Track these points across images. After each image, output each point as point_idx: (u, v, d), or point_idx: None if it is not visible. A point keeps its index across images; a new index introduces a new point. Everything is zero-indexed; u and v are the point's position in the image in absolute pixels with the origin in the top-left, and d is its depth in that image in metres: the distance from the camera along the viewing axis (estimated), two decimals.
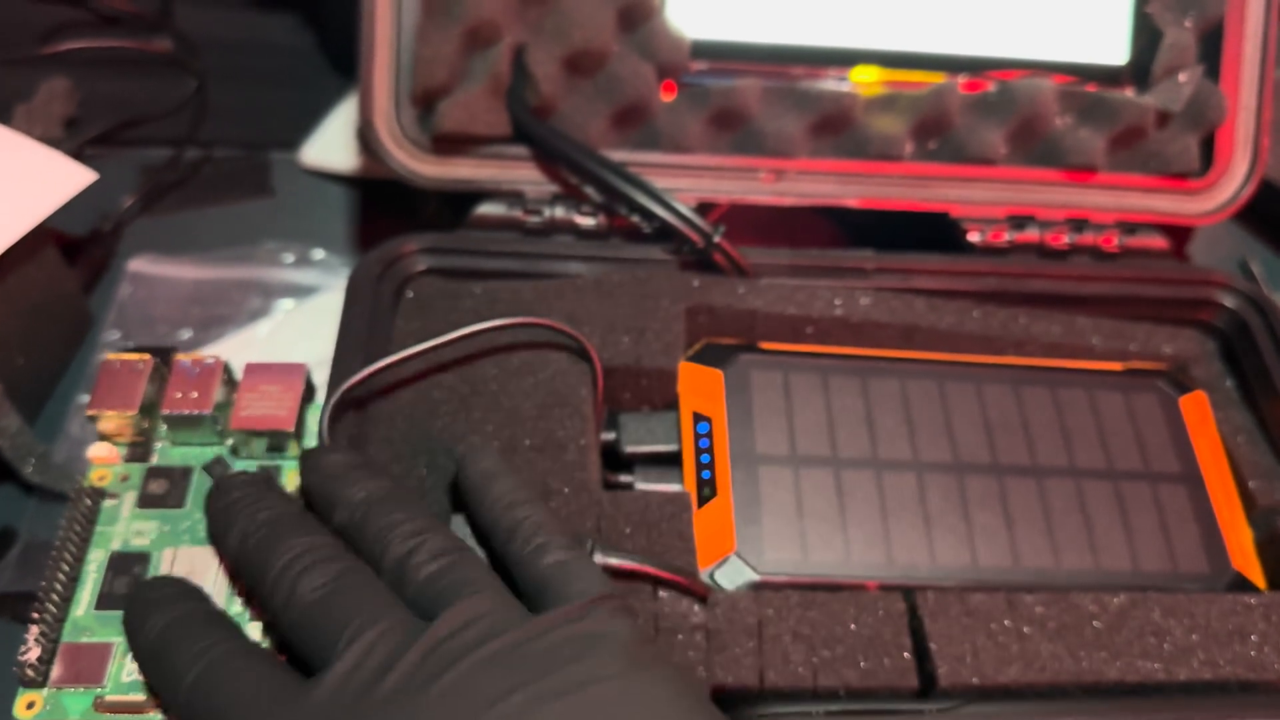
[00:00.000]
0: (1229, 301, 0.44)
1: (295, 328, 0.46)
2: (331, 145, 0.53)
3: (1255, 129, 0.45)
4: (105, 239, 0.49)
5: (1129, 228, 0.45)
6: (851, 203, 0.44)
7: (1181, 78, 0.45)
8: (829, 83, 0.44)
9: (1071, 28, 0.45)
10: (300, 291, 0.48)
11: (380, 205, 0.52)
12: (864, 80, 0.44)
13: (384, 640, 0.25)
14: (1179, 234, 0.48)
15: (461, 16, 0.41)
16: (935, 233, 0.45)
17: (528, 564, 0.29)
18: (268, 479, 0.31)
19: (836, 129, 0.44)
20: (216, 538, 0.30)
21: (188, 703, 0.26)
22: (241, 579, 0.30)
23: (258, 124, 0.56)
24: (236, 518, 0.29)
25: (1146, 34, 0.45)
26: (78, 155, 0.52)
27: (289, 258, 0.48)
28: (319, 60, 0.58)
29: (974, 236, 0.44)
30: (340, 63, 0.57)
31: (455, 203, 0.44)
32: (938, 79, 0.44)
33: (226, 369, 0.35)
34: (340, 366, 0.37)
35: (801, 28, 0.44)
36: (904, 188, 0.44)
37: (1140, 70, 0.45)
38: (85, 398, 0.44)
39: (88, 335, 0.47)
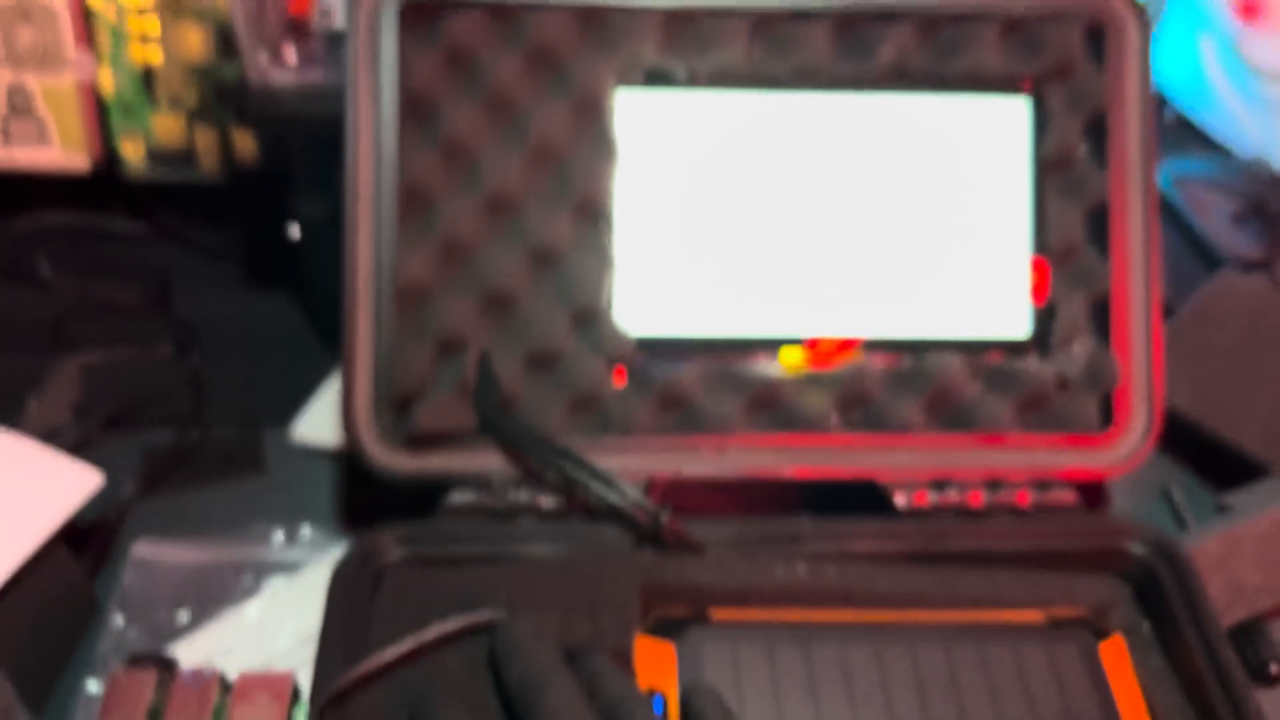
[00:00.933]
0: (1138, 549, 0.48)
1: (283, 608, 0.50)
2: (319, 422, 0.58)
3: (1148, 387, 0.50)
4: (111, 525, 0.53)
5: (1041, 485, 0.49)
6: (788, 473, 0.49)
7: (1076, 347, 0.50)
8: (760, 364, 0.49)
9: (977, 306, 0.50)
10: (289, 568, 0.52)
11: (364, 476, 0.56)
12: (790, 362, 0.49)
13: None
14: (1091, 491, 0.52)
15: (433, 331, 0.47)
16: (865, 492, 0.49)
17: None
18: (541, 629, 0.40)
19: (769, 405, 0.49)
20: (495, 670, 0.39)
21: None
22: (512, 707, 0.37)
23: (254, 399, 0.61)
24: (516, 658, 0.38)
25: (1044, 308, 0.51)
26: (86, 441, 0.57)
27: (278, 537, 0.53)
28: (309, 336, 0.64)
29: (900, 500, 0.48)
30: (328, 338, 0.63)
31: (428, 490, 0.48)
32: (856, 357, 0.49)
33: (222, 679, 0.38)
34: (323, 668, 0.40)
35: (732, 320, 0.49)
36: (834, 456, 0.49)
37: (1042, 340, 0.50)
38: (92, 685, 0.48)
39: (93, 620, 0.51)
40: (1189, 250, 0.74)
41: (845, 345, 0.49)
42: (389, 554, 0.45)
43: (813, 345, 0.50)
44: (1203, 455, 0.58)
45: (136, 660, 0.39)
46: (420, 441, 0.47)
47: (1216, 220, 0.78)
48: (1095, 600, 0.47)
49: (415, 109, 0.48)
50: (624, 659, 0.43)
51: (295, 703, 0.39)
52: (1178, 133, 0.81)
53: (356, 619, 0.43)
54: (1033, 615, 0.47)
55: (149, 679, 0.38)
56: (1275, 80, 0.77)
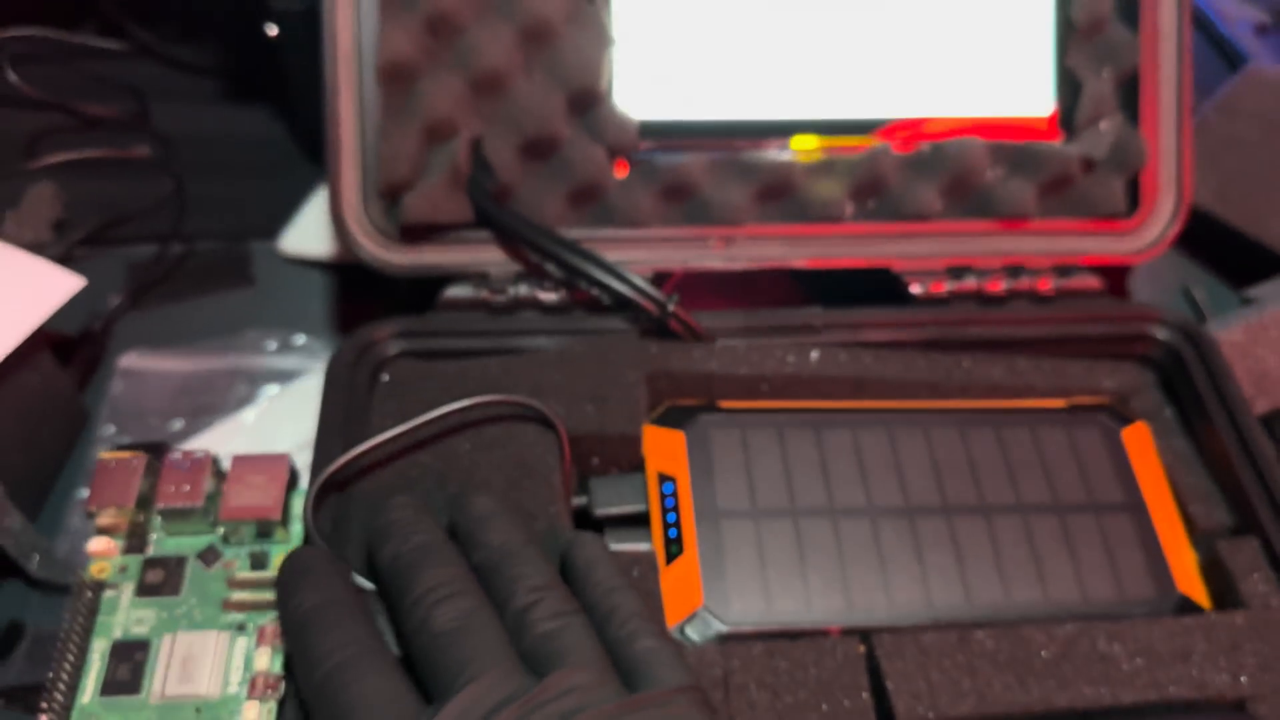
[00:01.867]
0: (1163, 334, 0.46)
1: (280, 412, 0.48)
2: (308, 233, 0.56)
3: (1177, 169, 0.47)
4: (96, 337, 0.51)
5: (1063, 270, 0.47)
6: (799, 264, 0.46)
7: (1103, 125, 0.47)
8: (770, 152, 0.47)
9: (998, 84, 0.48)
10: (284, 376, 0.50)
11: (357, 287, 0.55)
12: (803, 148, 0.47)
13: (494, 690, 0.29)
14: (1116, 272, 0.50)
15: (420, 114, 0.44)
16: (879, 285, 0.47)
17: (621, 645, 0.31)
18: (424, 507, 0.34)
19: (780, 195, 0.47)
20: (371, 550, 0.33)
21: (316, 691, 0.29)
22: (384, 592, 0.33)
23: (237, 215, 0.58)
24: (392, 536, 0.33)
25: (1069, 86, 0.48)
26: (66, 257, 0.55)
27: (272, 345, 0.51)
28: (292, 149, 0.61)
29: (915, 289, 0.46)
30: (312, 151, 0.60)
31: (425, 285, 0.46)
32: (873, 142, 0.47)
33: (215, 462, 0.37)
34: (321, 452, 0.39)
35: (741, 104, 0.47)
36: (847, 246, 0.47)
37: (1066, 120, 0.48)
38: (84, 492, 0.47)
39: (84, 431, 0.49)
40: (1212, 57, 0.71)
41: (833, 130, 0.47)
42: (387, 347, 0.44)
43: (825, 130, 0.47)
44: (1224, 253, 0.56)
45: (126, 448, 0.38)
46: (413, 233, 0.45)
47: (1241, 28, 0.75)
48: (1118, 386, 0.46)
49: None
50: (632, 446, 0.42)
51: (293, 487, 0.37)
52: None
53: (355, 409, 0.41)
54: (1054, 402, 0.45)
55: (139, 462, 0.36)
56: None
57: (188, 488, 0.36)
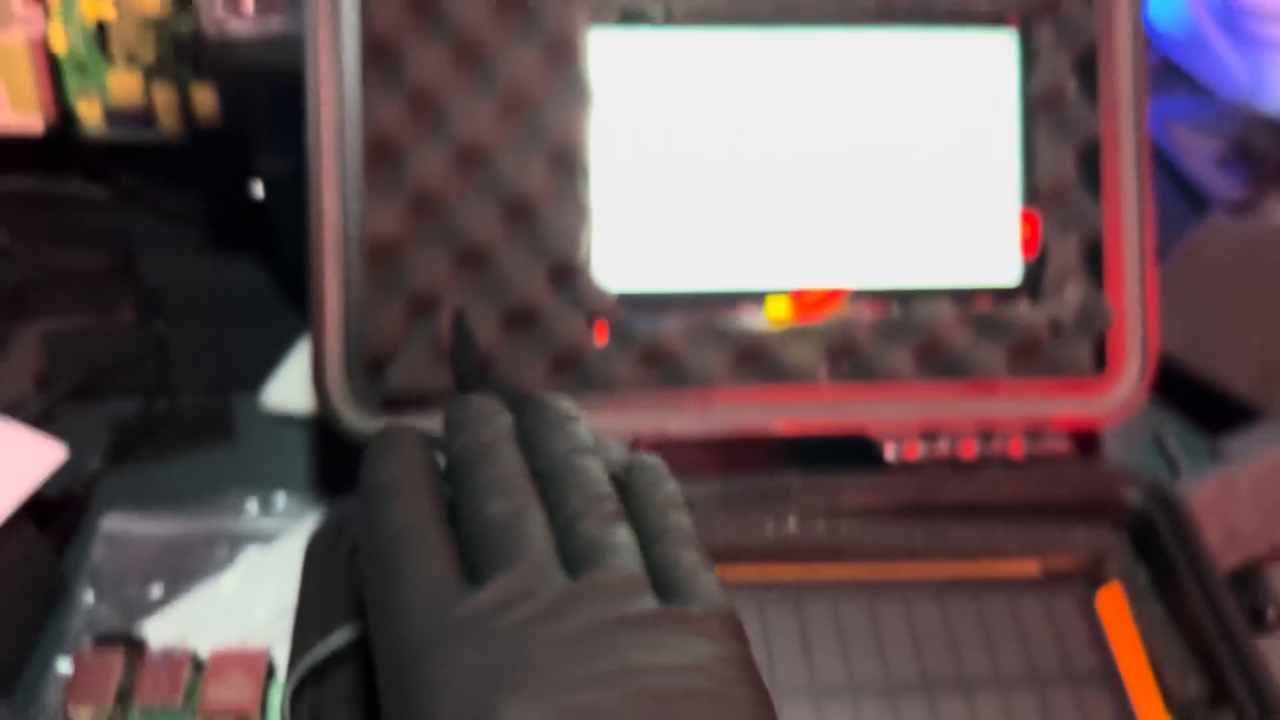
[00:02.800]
0: (1134, 497, 0.47)
1: (260, 577, 0.48)
2: (290, 388, 0.56)
3: (1142, 331, 0.49)
4: (78, 499, 0.52)
5: (1034, 433, 0.48)
6: (776, 428, 0.47)
7: (1069, 291, 0.49)
8: (745, 317, 0.48)
9: (966, 250, 0.49)
10: (264, 538, 0.50)
11: (339, 443, 0.55)
12: (776, 313, 0.48)
13: (529, 580, 0.29)
14: (1086, 439, 0.51)
15: (404, 288, 0.45)
16: (855, 446, 0.48)
17: (666, 563, 0.31)
18: (498, 407, 0.35)
19: (756, 359, 0.48)
20: (447, 438, 0.34)
21: (374, 551, 0.31)
22: (450, 482, 0.34)
23: (221, 366, 0.59)
24: (463, 431, 0.34)
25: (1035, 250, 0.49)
26: (50, 412, 0.56)
27: (252, 507, 0.51)
28: (277, 297, 0.62)
29: (889, 453, 0.47)
30: (297, 300, 0.61)
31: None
32: (843, 307, 0.48)
33: (194, 657, 0.37)
34: (299, 637, 0.39)
35: (716, 272, 0.48)
36: (822, 410, 0.48)
37: (1033, 283, 0.49)
38: (62, 662, 0.46)
39: (61, 597, 0.49)
40: (1174, 192, 0.73)
41: (831, 296, 0.48)
42: None
43: (798, 297, 0.48)
44: (1195, 399, 0.57)
45: (104, 640, 0.38)
46: (395, 404, 0.46)
47: (1201, 162, 0.77)
48: (1091, 549, 0.46)
49: (378, 55, 0.46)
50: None
51: (271, 679, 0.37)
52: (1162, 73, 0.80)
53: (332, 590, 0.41)
54: (1028, 566, 0.46)
55: (117, 659, 0.36)
56: (1261, 18, 0.76)
57: (167, 685, 0.36)
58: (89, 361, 0.57)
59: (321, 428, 0.56)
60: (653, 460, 0.36)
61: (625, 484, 0.35)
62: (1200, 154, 0.79)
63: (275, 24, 0.50)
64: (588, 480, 0.33)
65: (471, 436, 0.34)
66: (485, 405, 0.35)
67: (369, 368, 0.46)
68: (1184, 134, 0.79)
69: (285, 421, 0.56)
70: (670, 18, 0.47)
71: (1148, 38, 0.81)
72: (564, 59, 0.46)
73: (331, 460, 0.54)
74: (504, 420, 0.35)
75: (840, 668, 0.41)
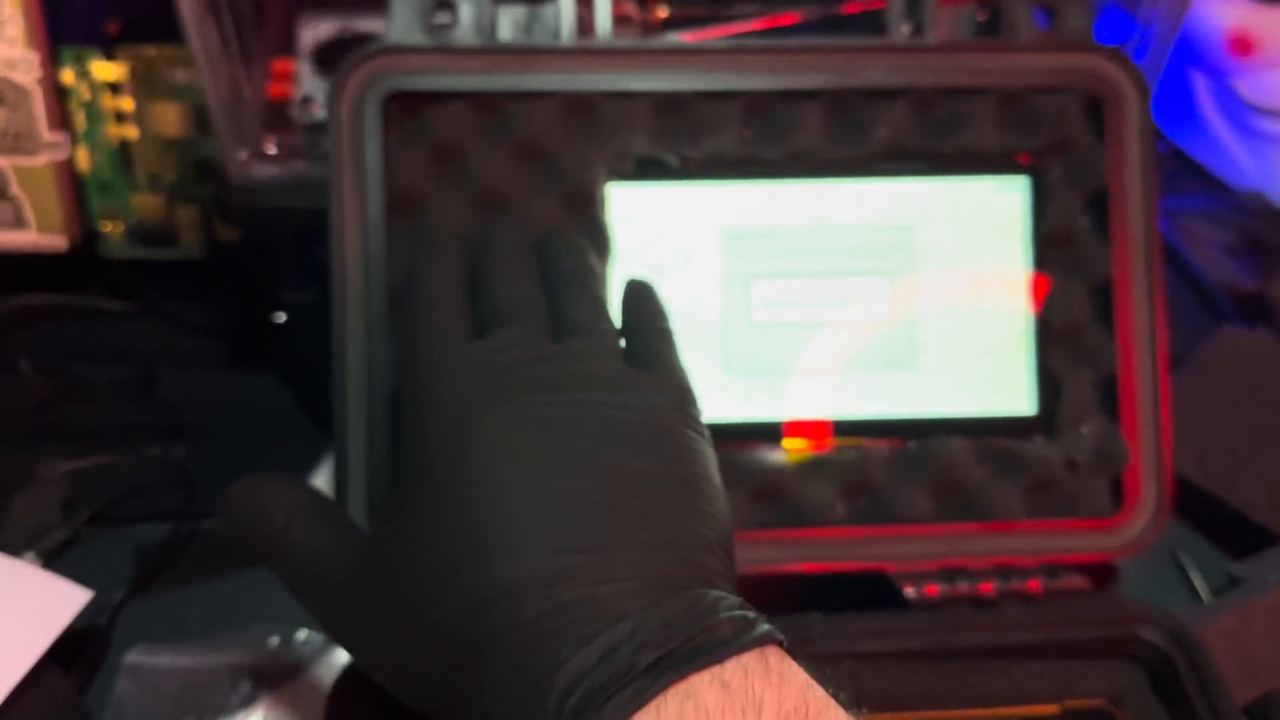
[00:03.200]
0: (1150, 635, 0.47)
1: (283, 715, 0.49)
2: None
3: (1157, 467, 0.49)
4: (101, 632, 0.52)
5: (1052, 571, 0.48)
6: (794, 569, 0.48)
7: (1085, 429, 0.49)
8: (761, 453, 0.48)
9: (981, 388, 0.49)
10: (288, 674, 0.51)
11: None
12: (793, 448, 0.48)
13: (526, 332, 0.37)
14: (1103, 574, 0.51)
15: None
16: (873, 586, 0.48)
17: (645, 349, 0.40)
18: (521, 234, 0.43)
19: (773, 497, 0.48)
20: (476, 242, 0.42)
21: (409, 306, 0.40)
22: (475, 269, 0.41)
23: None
24: (487, 240, 0.42)
25: (1049, 386, 0.50)
26: (73, 539, 0.56)
27: (274, 641, 0.51)
28: (300, 418, 0.63)
29: (910, 593, 0.48)
30: (320, 419, 0.61)
31: None
32: (858, 442, 0.49)
33: None
34: None
35: (732, 406, 0.48)
36: (841, 549, 0.48)
37: (1047, 419, 0.50)
38: None
39: None
40: (1186, 291, 0.74)
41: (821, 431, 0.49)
42: None
43: (812, 429, 0.49)
44: (1211, 519, 0.58)
45: None
46: None
47: (1212, 254, 0.78)
48: (1110, 689, 0.46)
49: (402, 205, 0.47)
50: None
51: None
52: (1172, 168, 0.81)
53: None
54: (1049, 709, 0.46)
55: None
56: (1269, 115, 0.77)
57: None
58: (112, 487, 0.58)
59: None
60: (644, 281, 0.44)
61: (623, 294, 0.43)
62: (1211, 245, 0.79)
63: (299, 167, 0.51)
64: (588, 284, 0.40)
65: (495, 240, 0.41)
66: (512, 225, 0.44)
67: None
68: (1194, 226, 0.79)
69: None
70: (685, 167, 0.48)
71: (1158, 132, 0.82)
72: (583, 210, 0.47)
73: None
74: (522, 238, 0.42)
75: None
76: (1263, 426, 0.58)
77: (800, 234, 0.49)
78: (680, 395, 0.36)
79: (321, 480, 0.59)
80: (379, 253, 0.46)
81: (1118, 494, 0.49)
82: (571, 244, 0.42)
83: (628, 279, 0.44)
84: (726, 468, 0.47)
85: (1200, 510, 0.57)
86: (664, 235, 0.49)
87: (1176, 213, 0.78)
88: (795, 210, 0.49)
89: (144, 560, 0.55)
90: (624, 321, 0.41)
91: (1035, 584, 0.48)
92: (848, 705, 0.29)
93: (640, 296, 0.42)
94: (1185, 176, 0.81)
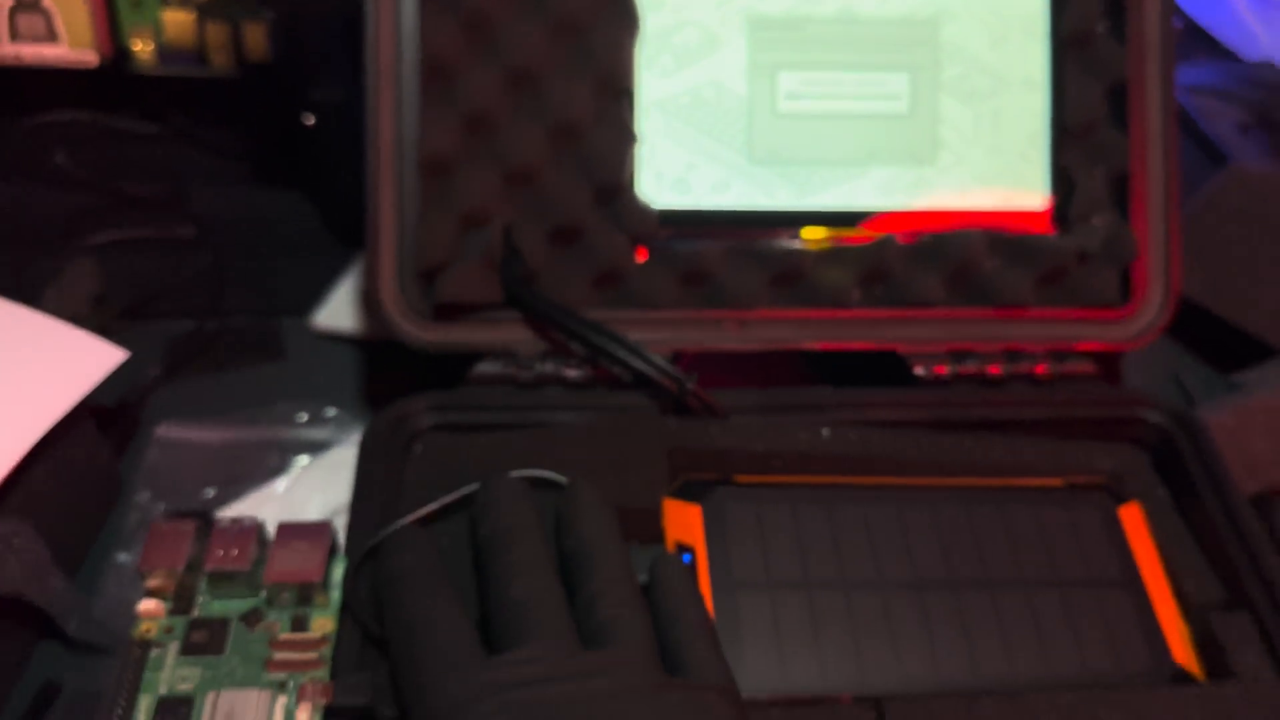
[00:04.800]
0: (1155, 418, 0.49)
1: (310, 482, 0.50)
2: (339, 310, 0.58)
3: (1165, 262, 0.50)
4: (133, 409, 0.54)
5: (1059, 356, 0.50)
6: (809, 346, 0.49)
7: (1096, 221, 0.50)
8: (782, 241, 0.50)
9: (996, 179, 0.51)
10: (314, 447, 0.52)
11: (385, 362, 0.57)
12: (813, 238, 0.50)
13: (546, 652, 0.32)
14: (1110, 357, 0.53)
15: (456, 203, 0.47)
16: (884, 368, 0.50)
17: (678, 646, 0.35)
18: (522, 489, 0.38)
19: (791, 281, 0.49)
20: (473, 524, 0.38)
21: (397, 636, 0.34)
22: (477, 564, 0.37)
23: (270, 293, 0.61)
24: (489, 515, 0.37)
25: (1063, 182, 0.51)
26: (104, 330, 0.57)
27: (303, 416, 0.53)
28: (323, 232, 0.64)
29: (919, 370, 0.49)
30: (344, 234, 0.63)
31: (452, 360, 0.49)
32: (875, 232, 0.50)
33: (260, 529, 0.39)
34: (357, 520, 0.41)
35: (755, 195, 0.50)
36: (855, 330, 0.49)
37: (1060, 213, 0.51)
38: (121, 556, 0.48)
39: (119, 498, 0.51)
40: (1198, 155, 0.75)
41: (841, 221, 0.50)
42: (419, 420, 0.46)
43: (825, 219, 0.50)
44: (1212, 342, 0.59)
45: (174, 514, 0.40)
46: (445, 312, 0.48)
47: (1224, 128, 0.78)
48: (1113, 467, 0.48)
49: None
50: (652, 520, 0.44)
51: (334, 555, 0.39)
52: (1186, 39, 0.81)
53: (388, 479, 0.43)
54: (1052, 481, 0.47)
55: (189, 528, 0.38)
56: None
57: (236, 552, 0.38)
58: (143, 284, 0.59)
59: (369, 348, 0.58)
60: (675, 558, 0.39)
61: (650, 577, 0.38)
62: (1223, 120, 0.80)
63: None
64: (610, 563, 0.36)
65: (497, 520, 0.37)
66: (512, 488, 0.39)
67: (421, 278, 0.48)
68: (1208, 100, 0.80)
69: (334, 343, 0.58)
70: None
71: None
72: None
73: (380, 379, 0.56)
74: (529, 504, 0.38)
75: (870, 565, 0.43)
76: (1267, 253, 0.59)
77: (826, 25, 0.50)
78: (728, 705, 0.33)
79: (346, 290, 0.60)
80: (412, 27, 0.47)
81: (1126, 287, 0.51)
82: (588, 505, 0.39)
83: (656, 558, 0.39)
84: (749, 254, 0.49)
85: (1203, 332, 0.58)
86: (691, 20, 0.50)
87: (1190, 85, 0.79)
88: (822, 0, 0.50)
89: (174, 348, 0.57)
90: (655, 607, 0.36)
91: (1042, 367, 0.49)
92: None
93: (672, 579, 0.38)
94: (1199, 48, 0.82)
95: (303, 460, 0.52)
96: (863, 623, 0.41)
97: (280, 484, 0.50)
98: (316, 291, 0.60)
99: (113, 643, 0.46)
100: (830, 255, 0.49)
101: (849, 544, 0.44)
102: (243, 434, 0.53)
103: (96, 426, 0.49)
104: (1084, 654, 0.42)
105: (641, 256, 0.49)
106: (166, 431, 0.53)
